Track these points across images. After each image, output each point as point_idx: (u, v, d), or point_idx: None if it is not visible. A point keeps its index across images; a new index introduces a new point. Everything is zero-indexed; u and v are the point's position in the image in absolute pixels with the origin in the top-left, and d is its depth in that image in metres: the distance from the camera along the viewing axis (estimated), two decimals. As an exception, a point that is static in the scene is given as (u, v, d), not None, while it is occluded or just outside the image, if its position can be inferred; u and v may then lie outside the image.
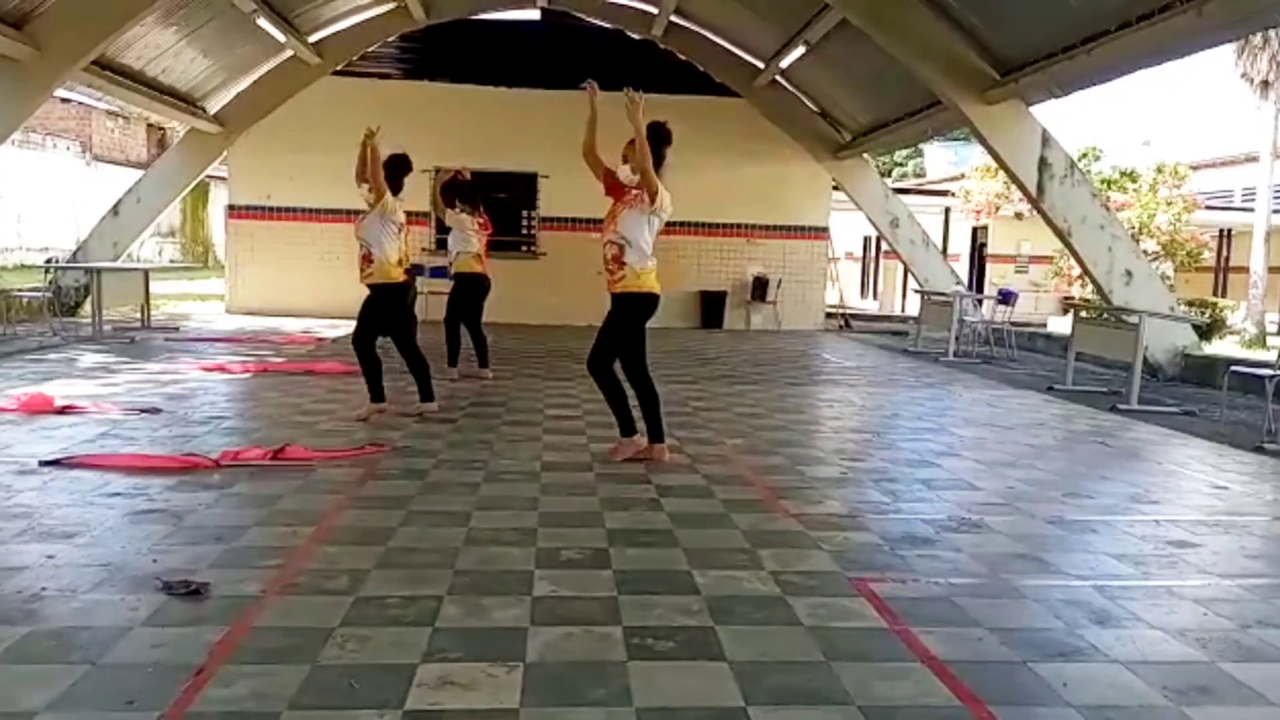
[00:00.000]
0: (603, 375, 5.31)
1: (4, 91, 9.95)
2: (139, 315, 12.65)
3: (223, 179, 18.46)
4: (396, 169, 6.59)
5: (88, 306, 12.58)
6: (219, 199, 26.78)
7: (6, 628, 2.83)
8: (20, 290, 13.03)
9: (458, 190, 8.65)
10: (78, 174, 25.71)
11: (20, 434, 5.57)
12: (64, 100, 23.85)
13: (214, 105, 15.15)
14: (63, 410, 6.25)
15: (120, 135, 29.15)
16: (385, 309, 6.48)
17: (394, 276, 6.44)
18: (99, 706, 2.41)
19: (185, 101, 14.21)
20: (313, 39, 14.79)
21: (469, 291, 8.63)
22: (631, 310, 5.25)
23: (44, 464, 4.80)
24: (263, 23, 12.60)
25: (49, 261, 14.61)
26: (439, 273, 11.80)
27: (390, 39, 15.64)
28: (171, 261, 27.43)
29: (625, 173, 5.20)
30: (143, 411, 6.37)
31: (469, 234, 8.53)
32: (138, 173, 19.44)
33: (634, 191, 5.18)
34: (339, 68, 15.41)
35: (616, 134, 5.22)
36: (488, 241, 8.79)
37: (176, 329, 12.51)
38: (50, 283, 12.67)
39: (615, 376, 5.34)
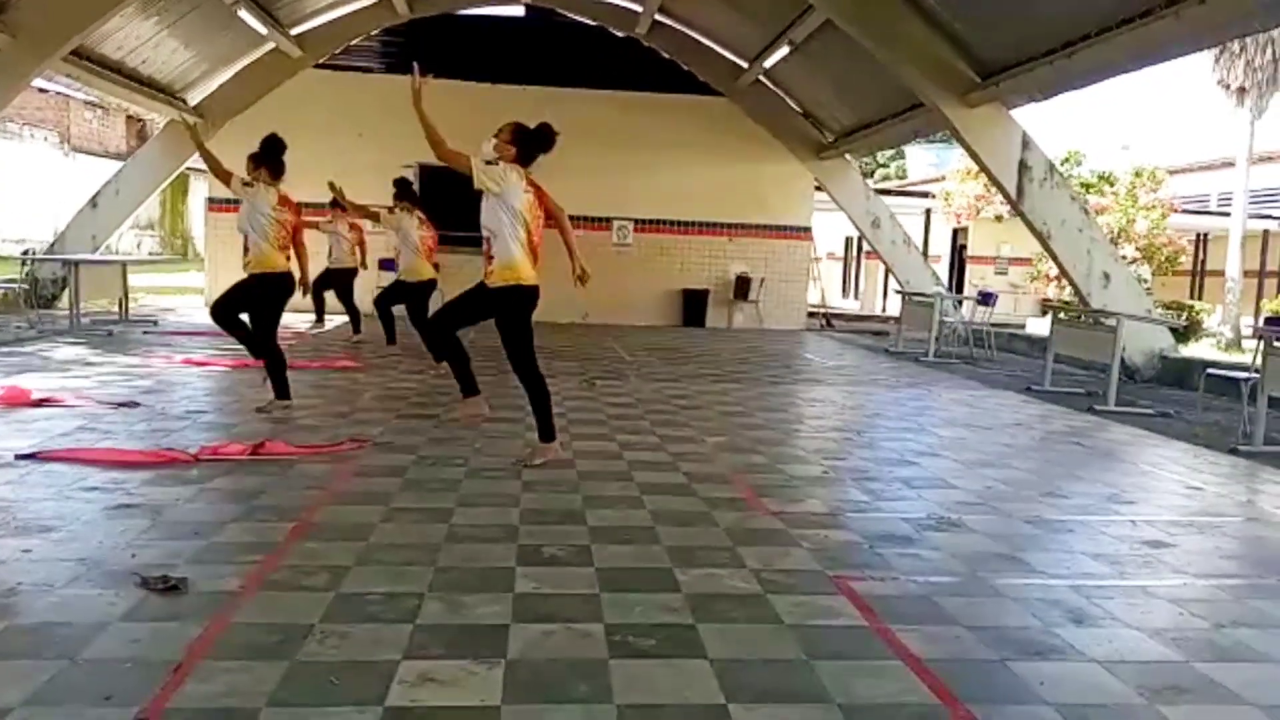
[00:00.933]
0: (529, 377, 5.07)
1: (-20, 80, 9.86)
2: (117, 308, 12.54)
3: (203, 171, 18.29)
4: (270, 152, 6.30)
5: (65, 299, 12.45)
6: (199, 191, 26.58)
7: (-19, 623, 2.81)
8: (-4, 282, 12.89)
9: (399, 190, 8.79)
10: (55, 165, 25.41)
11: (-5, 427, 5.51)
12: (42, 90, 23.58)
13: (195, 97, 15.04)
14: (39, 403, 6.19)
15: (99, 126, 28.84)
16: (265, 296, 6.25)
17: (276, 264, 6.24)
18: (76, 702, 2.39)
19: (165, 93, 14.10)
20: (295, 31, 14.71)
21: (420, 294, 8.90)
22: (507, 305, 4.99)
23: (20, 457, 4.75)
24: (244, 14, 12.50)
25: (25, 253, 14.42)
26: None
27: (373, 32, 15.58)
28: (150, 254, 27.17)
29: (486, 150, 4.91)
30: (120, 405, 6.32)
31: (411, 236, 8.65)
32: (117, 164, 19.21)
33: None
34: (321, 61, 15.34)
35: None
36: (435, 239, 8.88)
37: (155, 322, 12.39)
38: (27, 275, 12.52)
39: (542, 378, 5.13)
